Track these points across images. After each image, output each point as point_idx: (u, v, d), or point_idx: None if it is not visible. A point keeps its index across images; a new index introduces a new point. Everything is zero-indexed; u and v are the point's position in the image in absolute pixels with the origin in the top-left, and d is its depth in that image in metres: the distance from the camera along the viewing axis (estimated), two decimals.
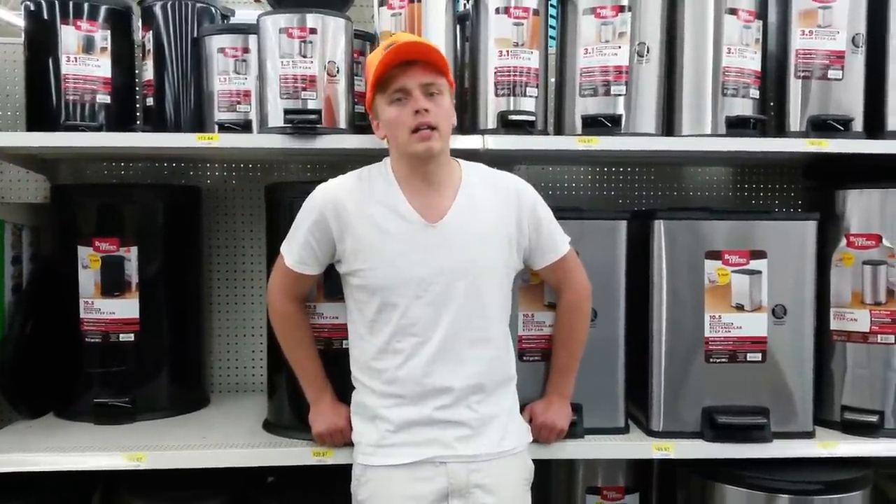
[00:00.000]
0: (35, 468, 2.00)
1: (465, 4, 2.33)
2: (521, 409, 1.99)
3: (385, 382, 1.79)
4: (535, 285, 2.06)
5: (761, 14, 2.27)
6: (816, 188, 2.51)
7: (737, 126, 2.22)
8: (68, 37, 2.26)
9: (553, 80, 2.38)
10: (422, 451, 1.76)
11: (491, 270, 1.82)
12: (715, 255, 2.11)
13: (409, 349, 1.77)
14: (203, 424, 2.30)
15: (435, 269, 1.76)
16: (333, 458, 1.99)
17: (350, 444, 1.91)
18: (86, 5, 2.27)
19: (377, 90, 1.77)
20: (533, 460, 1.92)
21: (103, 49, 2.30)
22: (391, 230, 1.78)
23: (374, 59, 1.78)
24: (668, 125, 2.29)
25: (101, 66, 2.29)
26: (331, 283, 1.97)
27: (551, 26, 2.35)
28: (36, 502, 2.10)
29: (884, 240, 2.17)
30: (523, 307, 2.08)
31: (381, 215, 1.79)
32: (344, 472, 1.90)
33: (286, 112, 2.10)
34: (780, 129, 2.31)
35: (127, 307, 2.28)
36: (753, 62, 2.25)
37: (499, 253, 1.83)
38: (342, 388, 1.93)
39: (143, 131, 2.40)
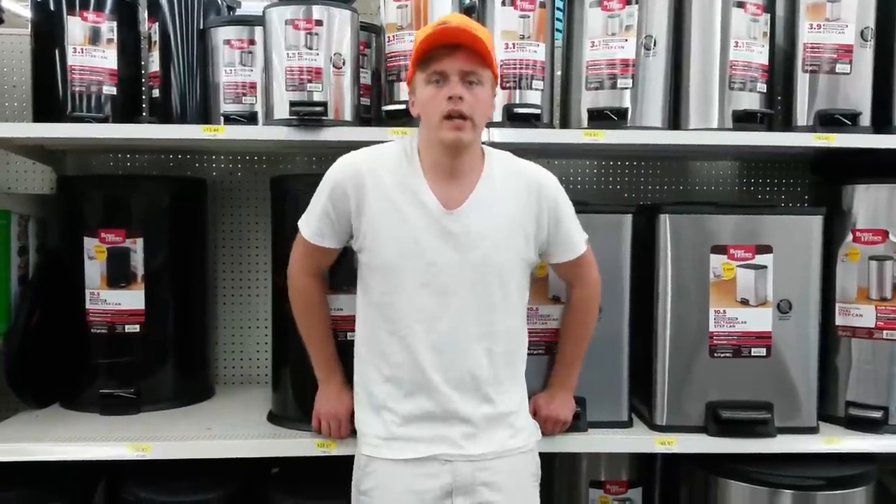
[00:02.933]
0: (41, 458, 2.02)
1: None
2: None
3: (392, 366, 1.77)
4: (539, 279, 2.06)
5: (769, 7, 2.25)
6: (823, 183, 2.50)
7: (744, 120, 2.21)
8: (75, 28, 2.27)
9: (559, 73, 2.38)
10: (428, 448, 1.75)
11: (504, 263, 1.78)
12: (720, 249, 2.11)
13: (415, 337, 1.74)
14: (208, 416, 2.31)
15: (446, 256, 1.73)
16: (337, 449, 2.00)
17: (346, 438, 1.92)
18: None
19: (418, 67, 1.73)
20: None
21: (109, 40, 2.30)
22: (407, 213, 1.75)
23: (421, 35, 1.74)
24: (675, 119, 2.28)
25: (108, 58, 2.30)
26: (337, 276, 1.97)
27: (558, 19, 2.34)
28: (42, 492, 2.11)
29: (890, 235, 2.16)
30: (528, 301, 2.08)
31: (399, 197, 1.75)
32: (347, 463, 1.90)
33: (292, 104, 2.10)
34: (787, 124, 2.30)
35: (133, 298, 2.29)
36: (761, 56, 2.24)
37: (514, 245, 1.80)
38: (348, 380, 1.93)
39: (149, 123, 2.40)
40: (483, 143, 2.10)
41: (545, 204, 1.83)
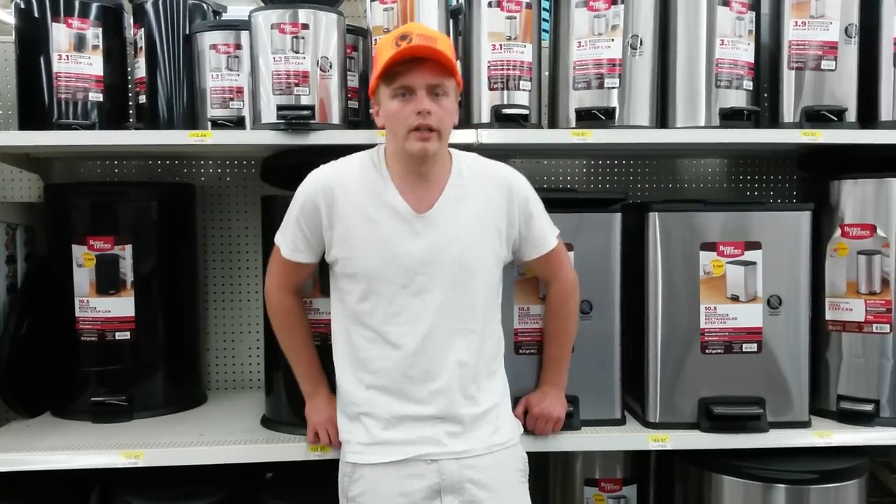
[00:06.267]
0: (33, 467, 2.00)
1: None
2: (516, 402, 2.00)
3: (372, 373, 1.78)
4: (530, 278, 2.06)
5: (754, 5, 2.27)
6: (811, 179, 2.51)
7: (730, 117, 2.22)
8: (59, 35, 2.26)
9: (546, 73, 2.38)
10: (413, 449, 1.76)
11: (479, 261, 1.81)
12: (710, 246, 2.12)
13: (396, 340, 1.76)
14: (200, 421, 2.30)
15: (421, 258, 1.75)
16: (332, 452, 1.99)
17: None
18: (77, 3, 2.27)
19: (382, 81, 1.74)
20: (530, 453, 1.92)
21: (95, 47, 2.29)
22: (380, 219, 1.77)
23: (383, 46, 1.74)
24: (662, 117, 2.29)
25: (93, 64, 2.29)
26: (328, 279, 1.97)
27: (544, 19, 2.35)
28: (34, 502, 2.10)
29: (878, 229, 2.17)
30: (519, 300, 2.08)
31: (370, 204, 1.78)
32: None
33: (279, 108, 2.10)
34: (774, 120, 2.32)
35: (122, 305, 2.28)
36: (747, 53, 2.25)
37: (487, 244, 1.82)
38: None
39: (135, 129, 2.39)
40: (471, 144, 2.11)
41: (515, 201, 1.85)
